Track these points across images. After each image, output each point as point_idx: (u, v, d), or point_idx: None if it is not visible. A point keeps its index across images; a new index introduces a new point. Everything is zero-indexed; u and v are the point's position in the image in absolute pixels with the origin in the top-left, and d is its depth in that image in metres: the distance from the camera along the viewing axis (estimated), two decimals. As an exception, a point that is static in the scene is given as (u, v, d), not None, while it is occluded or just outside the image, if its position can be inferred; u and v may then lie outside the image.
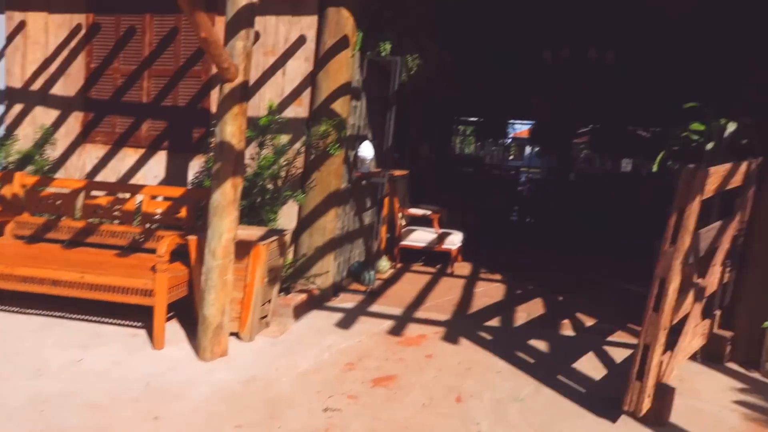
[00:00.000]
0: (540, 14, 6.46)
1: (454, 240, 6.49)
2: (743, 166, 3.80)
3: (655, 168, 4.42)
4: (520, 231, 11.18)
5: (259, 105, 4.80)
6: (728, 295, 4.53)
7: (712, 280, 4.01)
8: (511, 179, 16.12)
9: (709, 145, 4.12)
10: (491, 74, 9.22)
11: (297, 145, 4.77)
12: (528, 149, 33.80)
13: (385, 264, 6.12)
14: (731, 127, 4.09)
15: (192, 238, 3.95)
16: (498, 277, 6.37)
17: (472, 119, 17.87)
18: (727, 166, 3.42)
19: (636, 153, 16.37)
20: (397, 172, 6.00)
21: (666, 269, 2.91)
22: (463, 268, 6.69)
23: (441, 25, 6.52)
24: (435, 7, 6.15)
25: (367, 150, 5.07)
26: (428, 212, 6.57)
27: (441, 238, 6.47)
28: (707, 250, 3.76)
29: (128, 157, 5.25)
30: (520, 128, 29.34)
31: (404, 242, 6.58)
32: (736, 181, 3.78)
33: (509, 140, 35.25)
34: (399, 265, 6.56)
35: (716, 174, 3.15)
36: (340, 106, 4.72)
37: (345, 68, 4.71)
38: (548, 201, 13.19)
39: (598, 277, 6.65)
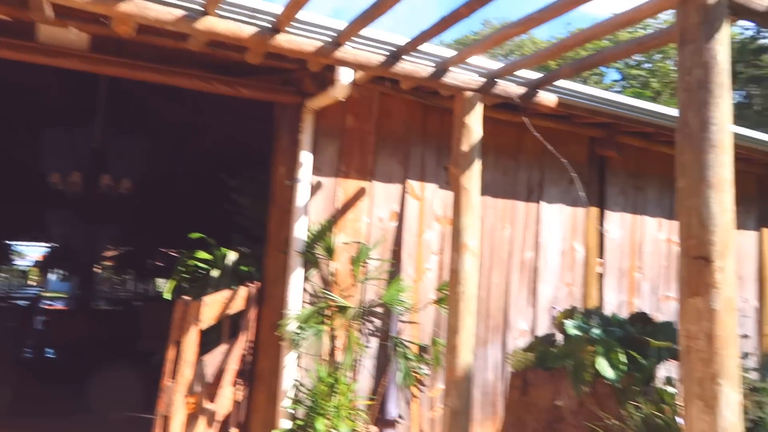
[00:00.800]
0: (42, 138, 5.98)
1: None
2: (244, 291, 4.18)
3: (167, 296, 4.44)
4: (34, 371, 9.61)
5: None
6: (243, 412, 4.78)
7: (224, 403, 4.15)
8: (26, 310, 13.90)
9: (215, 273, 4.41)
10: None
11: None
12: (54, 274, 30.22)
13: None
14: (233, 256, 4.49)
15: None
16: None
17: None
18: (227, 293, 3.68)
19: (166, 274, 16.55)
20: None
21: (168, 405, 2.82)
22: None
23: None
24: None
25: None
26: None
27: None
28: (217, 373, 3.90)
29: None
30: (43, 251, 26.24)
31: None
32: (239, 305, 4.11)
33: (30, 264, 30.95)
34: None
35: (215, 303, 3.32)
36: None
37: None
38: (69, 332, 11.78)
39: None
